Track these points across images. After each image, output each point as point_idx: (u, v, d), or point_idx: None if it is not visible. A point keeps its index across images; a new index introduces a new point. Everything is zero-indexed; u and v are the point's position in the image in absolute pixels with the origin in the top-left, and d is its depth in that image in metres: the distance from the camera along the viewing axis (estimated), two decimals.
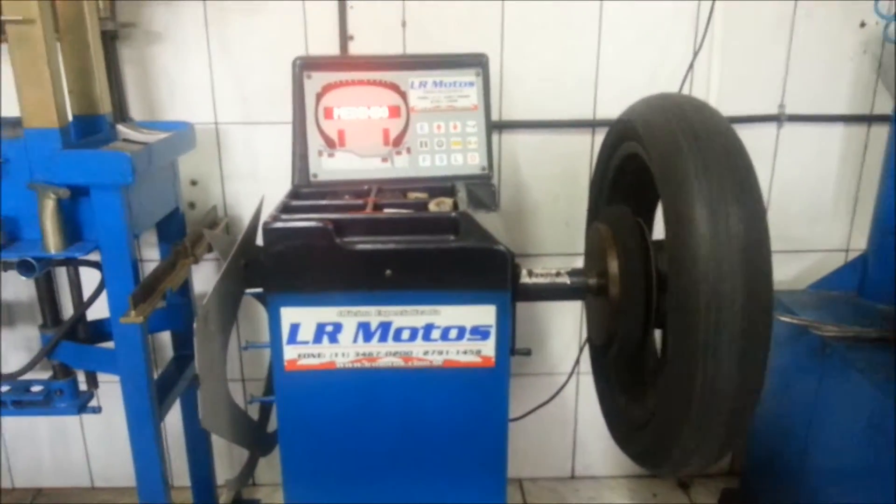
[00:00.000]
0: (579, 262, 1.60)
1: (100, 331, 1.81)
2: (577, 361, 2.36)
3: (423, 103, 1.69)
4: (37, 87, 1.47)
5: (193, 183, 2.16)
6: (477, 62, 1.71)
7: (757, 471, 2.24)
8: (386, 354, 1.41)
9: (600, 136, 1.68)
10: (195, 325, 1.30)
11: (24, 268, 1.51)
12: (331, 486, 1.51)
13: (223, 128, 2.13)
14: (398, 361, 1.41)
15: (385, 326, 1.38)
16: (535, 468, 2.55)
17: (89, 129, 1.69)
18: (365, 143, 1.67)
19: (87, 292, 1.79)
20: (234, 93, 2.10)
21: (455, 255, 1.35)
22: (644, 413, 1.45)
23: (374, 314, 1.38)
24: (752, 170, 1.18)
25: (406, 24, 2.05)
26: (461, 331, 1.39)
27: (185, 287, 1.96)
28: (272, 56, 2.05)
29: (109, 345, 1.67)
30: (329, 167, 1.66)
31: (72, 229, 1.55)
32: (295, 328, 1.38)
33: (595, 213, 1.76)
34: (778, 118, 2.18)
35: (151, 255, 2.15)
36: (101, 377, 1.89)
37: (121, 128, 1.80)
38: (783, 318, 1.93)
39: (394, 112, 1.68)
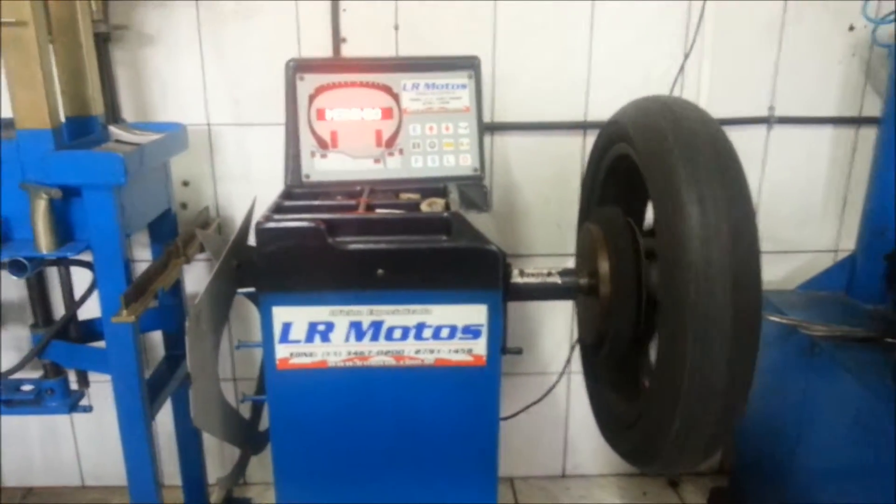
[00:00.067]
0: (571, 263, 1.61)
1: (91, 330, 1.81)
2: (569, 361, 2.37)
3: (416, 105, 1.69)
4: (29, 88, 1.47)
5: (185, 184, 2.17)
6: (469, 64, 1.72)
7: (746, 469, 2.26)
8: (378, 353, 1.41)
9: (592, 138, 1.69)
10: (187, 324, 1.30)
11: (16, 267, 1.51)
12: (322, 484, 1.52)
13: (215, 129, 2.14)
14: (390, 360, 1.42)
15: (377, 326, 1.39)
16: (527, 467, 2.57)
17: (82, 130, 1.69)
18: (357, 145, 1.68)
19: (78, 292, 1.80)
20: (226, 94, 2.10)
21: (447, 255, 1.36)
22: (634, 412, 1.46)
23: (365, 313, 1.39)
24: (741, 171, 1.19)
25: (399, 27, 2.06)
26: (453, 330, 1.39)
27: (177, 287, 1.96)
28: (265, 58, 2.05)
29: (101, 344, 1.67)
30: (321, 168, 1.66)
31: (63, 229, 1.55)
32: (287, 327, 1.38)
33: (586, 213, 1.77)
34: (768, 120, 2.20)
35: (143, 256, 2.15)
36: (92, 377, 1.90)
37: (113, 129, 1.80)
38: (772, 318, 1.95)
39: (386, 113, 1.69)
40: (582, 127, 2.17)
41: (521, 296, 1.48)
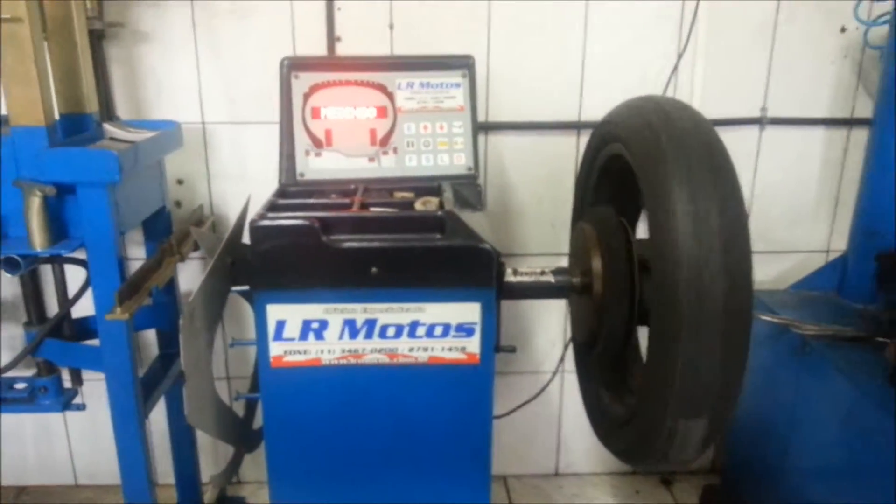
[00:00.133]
0: (564, 263, 1.62)
1: (85, 328, 1.81)
2: (562, 360, 2.38)
3: (410, 104, 1.70)
4: (24, 85, 1.48)
5: (180, 182, 2.17)
6: (463, 64, 1.72)
7: (738, 468, 2.27)
8: (371, 351, 1.42)
9: (585, 138, 1.70)
10: (181, 321, 1.30)
11: (10, 265, 1.51)
12: (316, 482, 1.52)
13: (210, 127, 2.14)
14: (384, 358, 1.42)
15: (371, 323, 1.39)
16: (520, 465, 2.57)
17: (76, 127, 1.69)
18: (352, 143, 1.68)
19: (71, 290, 1.80)
20: (221, 93, 2.11)
21: (441, 254, 1.37)
22: (626, 410, 1.47)
23: (359, 311, 1.39)
24: (733, 171, 1.20)
25: (393, 26, 2.06)
26: (446, 328, 1.40)
27: (171, 285, 1.96)
28: (259, 57, 2.06)
29: (94, 342, 1.67)
30: (316, 166, 1.67)
31: (58, 227, 1.55)
32: (281, 325, 1.39)
33: (580, 213, 1.78)
34: (760, 121, 2.21)
35: (137, 254, 2.15)
36: (86, 375, 1.90)
37: (108, 126, 1.80)
38: (764, 317, 1.96)
39: (381, 112, 1.69)
40: (576, 127, 2.18)
41: (514, 294, 1.48)
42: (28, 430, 2.43)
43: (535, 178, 2.22)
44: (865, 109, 2.20)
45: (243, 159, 2.16)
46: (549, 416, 2.51)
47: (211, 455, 2.42)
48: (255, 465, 2.42)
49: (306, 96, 1.67)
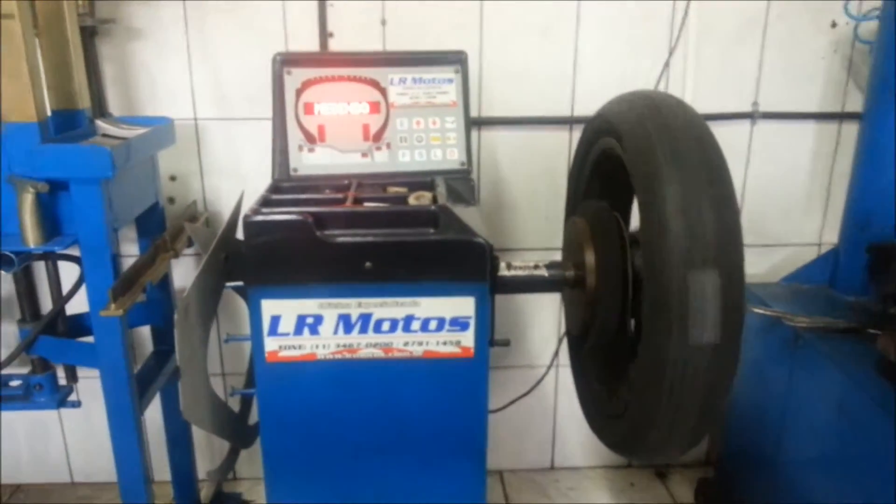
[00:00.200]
0: (558, 257, 1.63)
1: (79, 325, 1.81)
2: (556, 354, 2.39)
3: (403, 99, 1.70)
4: (15, 81, 1.48)
5: (172, 178, 2.16)
6: (456, 59, 1.73)
7: (732, 460, 2.28)
8: (366, 346, 1.42)
9: (578, 133, 1.71)
10: (176, 317, 1.30)
11: (3, 262, 1.51)
12: (311, 476, 1.53)
13: (203, 124, 2.14)
14: (378, 353, 1.43)
15: (365, 318, 1.40)
16: (516, 459, 2.58)
17: (68, 124, 1.69)
18: (345, 139, 1.68)
19: (65, 287, 1.79)
20: (213, 89, 2.10)
21: (434, 248, 1.37)
22: (620, 402, 1.47)
23: (354, 306, 1.39)
24: (724, 164, 1.21)
25: (386, 22, 2.06)
26: (441, 322, 1.40)
27: (165, 281, 1.96)
28: (252, 53, 2.05)
29: (89, 339, 1.67)
30: (309, 162, 1.67)
31: (51, 223, 1.55)
32: (276, 320, 1.39)
33: (573, 207, 1.79)
34: (752, 115, 2.22)
35: (131, 251, 2.14)
36: (81, 373, 1.89)
37: (100, 123, 1.80)
38: (757, 310, 1.97)
39: (374, 108, 1.69)
40: (568, 122, 2.19)
41: (508, 288, 1.49)
42: (23, 428, 2.43)
43: (528, 174, 2.23)
44: (856, 104, 2.21)
45: (236, 155, 2.16)
46: (545, 410, 2.52)
47: (207, 452, 2.43)
48: (251, 462, 2.42)
49: (299, 92, 1.67)
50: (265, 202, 1.46)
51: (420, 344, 1.42)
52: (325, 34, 2.05)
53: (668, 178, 1.17)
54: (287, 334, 1.40)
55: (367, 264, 1.36)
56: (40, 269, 1.85)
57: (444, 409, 1.49)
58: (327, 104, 1.68)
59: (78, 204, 1.52)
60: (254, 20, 2.04)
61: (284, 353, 1.42)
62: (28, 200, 1.48)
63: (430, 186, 1.59)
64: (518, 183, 2.25)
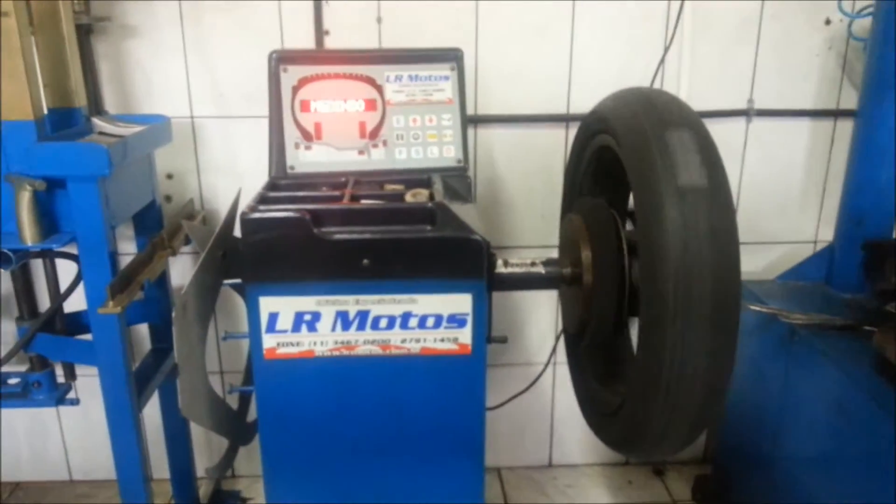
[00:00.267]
0: (555, 254, 1.63)
1: (77, 323, 1.81)
2: (554, 351, 2.40)
3: (399, 97, 1.70)
4: (11, 79, 1.48)
5: (169, 177, 2.17)
6: (452, 57, 1.73)
7: (729, 457, 2.29)
8: (364, 343, 1.42)
9: (574, 130, 1.71)
10: (174, 314, 1.30)
11: (1, 259, 1.51)
12: (310, 473, 1.53)
13: (199, 122, 2.14)
14: (376, 349, 1.43)
15: (363, 315, 1.40)
16: (514, 457, 2.59)
17: (65, 122, 1.69)
18: (341, 136, 1.68)
19: (63, 285, 1.79)
20: (210, 87, 2.10)
21: (431, 245, 1.37)
22: (617, 400, 1.48)
23: (351, 303, 1.40)
24: (720, 161, 1.21)
25: (381, 20, 2.07)
26: (438, 319, 1.41)
27: (163, 279, 1.96)
28: (248, 50, 2.06)
29: (87, 337, 1.67)
30: (306, 160, 1.67)
31: (48, 221, 1.55)
32: (273, 317, 1.39)
33: (569, 204, 1.79)
34: (747, 113, 2.23)
35: (128, 249, 2.15)
36: (79, 371, 1.90)
37: (97, 121, 1.79)
38: (753, 307, 1.98)
39: (370, 105, 1.69)
40: (564, 119, 2.19)
41: (505, 285, 1.49)
42: (22, 426, 2.43)
43: (525, 171, 2.24)
44: (850, 101, 2.21)
45: (233, 153, 2.16)
46: (542, 407, 2.52)
47: (205, 450, 2.43)
48: (249, 460, 2.43)
49: (295, 90, 1.67)
50: (262, 199, 1.46)
51: (417, 341, 1.43)
52: (321, 32, 2.06)
53: (664, 175, 1.18)
54: (285, 331, 1.40)
55: (365, 261, 1.36)
56: (38, 266, 1.85)
57: (442, 406, 1.49)
58: (324, 102, 1.68)
59: (75, 202, 1.52)
60: (250, 18, 2.04)
61: (282, 351, 1.42)
62: (25, 198, 1.48)
63: (426, 184, 1.59)
64: (514, 180, 2.25)
